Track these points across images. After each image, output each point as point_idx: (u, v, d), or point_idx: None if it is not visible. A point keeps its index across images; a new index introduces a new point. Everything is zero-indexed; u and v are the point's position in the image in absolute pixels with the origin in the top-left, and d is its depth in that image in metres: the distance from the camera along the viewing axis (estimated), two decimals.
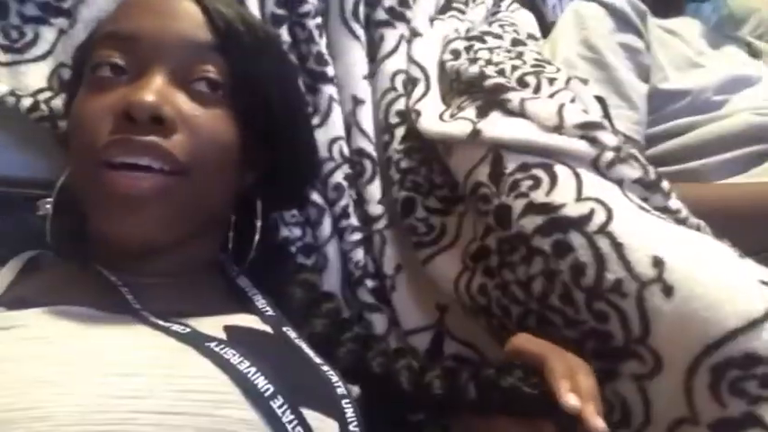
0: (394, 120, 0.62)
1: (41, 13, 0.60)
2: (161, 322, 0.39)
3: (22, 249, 0.48)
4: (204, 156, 0.43)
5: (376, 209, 0.61)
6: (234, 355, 0.37)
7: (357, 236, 0.60)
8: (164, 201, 0.42)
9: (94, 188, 0.42)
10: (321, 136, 0.62)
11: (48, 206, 0.49)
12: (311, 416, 0.37)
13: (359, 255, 0.60)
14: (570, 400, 0.37)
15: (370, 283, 0.59)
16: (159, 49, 0.44)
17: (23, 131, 0.58)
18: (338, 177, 0.61)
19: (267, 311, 0.47)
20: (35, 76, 0.58)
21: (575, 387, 0.38)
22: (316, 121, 0.62)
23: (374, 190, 0.62)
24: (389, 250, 0.60)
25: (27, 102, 0.56)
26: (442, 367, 0.47)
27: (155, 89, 0.42)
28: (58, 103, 0.57)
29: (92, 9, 0.59)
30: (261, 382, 0.36)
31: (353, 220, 0.61)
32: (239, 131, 0.46)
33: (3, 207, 0.55)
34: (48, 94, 0.58)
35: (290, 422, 0.35)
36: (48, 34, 0.60)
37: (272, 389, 0.36)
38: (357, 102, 0.64)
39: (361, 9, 0.65)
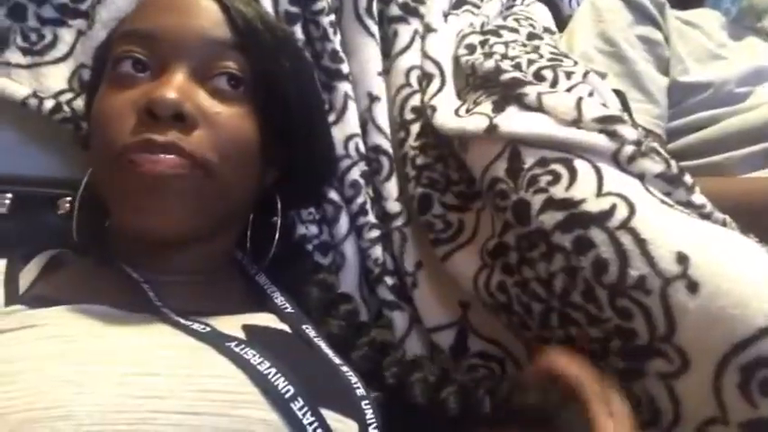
0: (409, 116, 0.62)
1: (59, 15, 0.61)
2: (182, 320, 0.39)
3: (43, 249, 0.49)
4: (225, 152, 0.44)
5: (394, 206, 0.60)
6: (254, 355, 0.37)
7: (375, 233, 0.60)
8: (186, 191, 0.42)
9: (118, 178, 0.42)
10: (337, 133, 0.61)
11: (68, 205, 0.49)
12: (331, 416, 0.37)
13: (377, 252, 0.59)
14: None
15: (389, 280, 0.59)
16: (180, 47, 0.44)
17: (43, 132, 0.58)
18: (355, 174, 0.61)
19: (286, 308, 0.47)
20: (56, 77, 0.59)
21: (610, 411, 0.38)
22: (331, 118, 0.62)
23: (392, 187, 0.61)
24: (410, 247, 0.59)
25: (49, 103, 0.57)
26: (458, 383, 0.47)
27: (176, 86, 0.42)
28: (80, 103, 0.57)
29: (110, 10, 0.59)
30: (281, 383, 0.36)
31: (371, 218, 0.60)
32: (259, 128, 0.46)
33: (25, 207, 0.56)
34: (69, 96, 0.58)
35: (311, 424, 0.35)
36: (66, 36, 0.61)
37: (292, 390, 0.36)
38: (372, 98, 0.63)
39: (375, 5, 0.65)
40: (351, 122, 0.62)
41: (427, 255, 0.58)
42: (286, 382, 0.36)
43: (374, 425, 0.40)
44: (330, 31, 0.63)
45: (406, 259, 0.59)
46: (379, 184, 0.62)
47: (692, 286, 0.40)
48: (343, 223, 0.60)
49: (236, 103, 0.45)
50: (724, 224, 0.47)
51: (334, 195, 0.61)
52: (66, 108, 0.57)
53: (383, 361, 0.50)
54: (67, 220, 0.49)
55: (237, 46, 0.46)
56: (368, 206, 0.60)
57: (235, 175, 0.45)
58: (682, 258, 0.41)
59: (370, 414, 0.40)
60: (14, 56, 0.59)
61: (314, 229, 0.60)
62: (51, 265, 0.47)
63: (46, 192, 0.55)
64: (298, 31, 0.62)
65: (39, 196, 0.55)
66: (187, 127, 0.42)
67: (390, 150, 0.62)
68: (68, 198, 0.50)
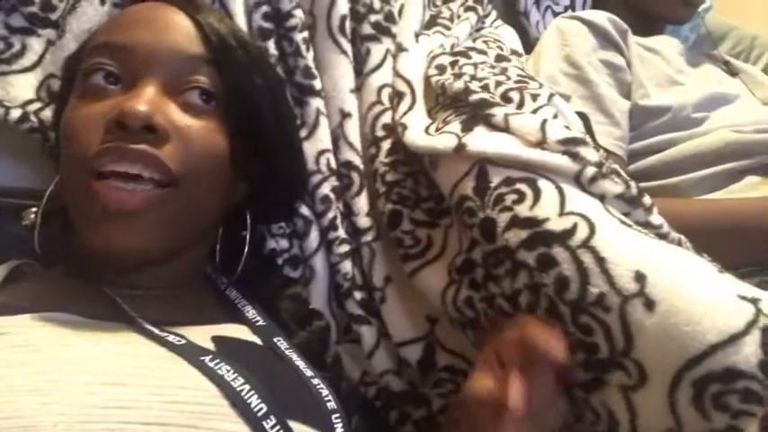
0: (380, 133, 0.63)
1: (28, 24, 0.60)
2: (156, 331, 0.39)
3: (5, 259, 0.48)
4: (195, 166, 0.44)
5: (364, 221, 0.61)
6: (228, 371, 0.37)
7: (345, 248, 0.60)
8: (155, 214, 0.42)
9: (84, 200, 0.42)
10: (309, 148, 0.62)
11: (32, 216, 0.48)
12: (300, 429, 0.37)
13: (347, 267, 0.60)
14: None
15: (358, 294, 0.59)
16: (152, 61, 0.44)
17: (9, 141, 0.57)
18: (325, 189, 0.61)
19: (257, 321, 0.47)
20: (24, 87, 0.58)
21: None
22: (303, 133, 0.62)
23: (362, 202, 0.62)
24: (378, 262, 0.60)
25: (16, 113, 0.56)
26: None
27: (147, 99, 0.42)
28: (48, 114, 0.56)
29: (81, 21, 0.59)
30: (254, 400, 0.36)
31: (341, 232, 0.61)
32: (229, 143, 0.46)
33: None
34: (37, 105, 0.57)
35: None
36: (35, 45, 0.60)
37: (264, 408, 0.36)
38: (344, 115, 0.64)
39: (348, 24, 0.66)
40: (322, 138, 0.62)
41: (396, 270, 0.59)
42: (259, 400, 0.36)
43: None
44: (303, 47, 0.64)
45: (374, 274, 0.60)
46: (349, 200, 0.62)
47: (649, 304, 0.42)
48: (314, 238, 0.60)
49: (207, 118, 0.45)
50: (680, 244, 0.49)
51: (304, 210, 0.61)
52: (33, 118, 0.56)
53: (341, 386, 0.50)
54: (32, 231, 0.48)
55: (210, 61, 0.46)
56: (338, 221, 0.61)
57: (203, 190, 0.45)
58: (639, 277, 0.42)
59: (339, 428, 0.40)
60: None
61: (284, 243, 0.60)
62: (14, 276, 0.46)
63: (10, 202, 0.54)
64: (271, 47, 0.63)
65: (3, 206, 0.54)
66: (158, 140, 0.42)
67: (361, 166, 0.63)
68: (33, 209, 0.49)
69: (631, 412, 0.43)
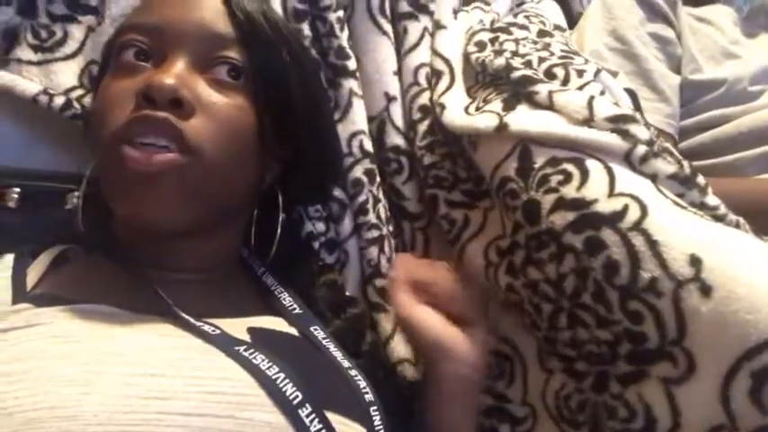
0: (416, 115, 0.61)
1: (69, 12, 0.60)
2: (192, 321, 0.39)
3: (51, 244, 0.48)
4: (221, 141, 0.43)
5: (416, 207, 0.60)
6: (263, 360, 0.37)
7: (374, 233, 0.59)
8: (178, 179, 0.42)
9: (113, 168, 0.42)
10: (341, 131, 0.61)
11: (75, 200, 0.49)
12: (337, 420, 0.37)
13: (373, 253, 0.59)
14: None
15: (379, 282, 0.59)
16: (181, 37, 0.45)
17: (52, 127, 0.58)
18: (357, 173, 0.60)
19: (294, 309, 0.47)
20: (66, 74, 0.59)
21: None
22: (336, 116, 0.62)
23: (413, 187, 0.61)
24: (434, 248, 0.59)
25: (60, 100, 0.56)
26: None
27: (175, 73, 0.43)
28: (89, 100, 0.57)
29: (120, 5, 0.59)
30: (289, 388, 0.36)
31: (371, 217, 0.60)
32: (258, 121, 0.46)
33: (33, 201, 0.55)
34: (79, 92, 0.58)
35: (318, 431, 0.35)
36: (76, 32, 0.60)
37: (300, 396, 0.36)
38: (389, 98, 0.63)
39: (387, 3, 0.64)
40: (355, 120, 0.62)
41: (451, 255, 0.58)
42: (294, 388, 0.36)
43: (382, 430, 0.39)
44: (337, 27, 0.62)
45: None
46: (399, 185, 0.62)
47: (706, 290, 0.39)
48: (348, 221, 0.60)
49: (235, 94, 0.45)
50: (737, 226, 0.46)
51: (339, 193, 0.60)
52: (76, 105, 0.57)
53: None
54: (75, 215, 0.49)
55: (238, 38, 0.46)
56: (369, 205, 0.60)
57: (230, 166, 0.45)
58: (695, 261, 0.40)
59: (378, 420, 0.40)
60: (25, 53, 0.58)
61: (321, 227, 0.60)
62: (58, 262, 0.47)
63: (54, 186, 0.55)
64: (305, 28, 0.62)
65: (47, 191, 0.55)
66: (184, 113, 0.42)
67: (409, 150, 0.62)
68: (76, 193, 0.49)
69: (673, 407, 0.41)
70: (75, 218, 0.49)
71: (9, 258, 0.45)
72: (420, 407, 0.51)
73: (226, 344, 0.38)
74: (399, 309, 0.53)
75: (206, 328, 0.39)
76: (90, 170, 0.49)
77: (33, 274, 0.44)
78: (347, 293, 0.57)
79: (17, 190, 0.55)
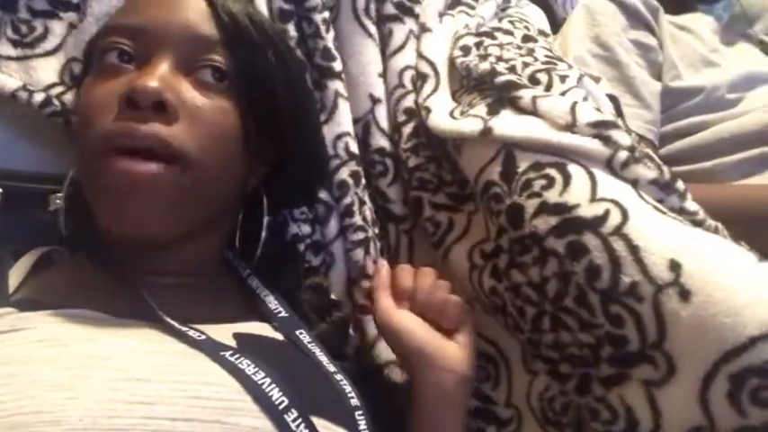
0: (401, 118, 0.61)
1: (51, 8, 0.59)
2: (177, 326, 0.39)
3: (34, 245, 0.48)
4: (206, 145, 0.43)
5: (401, 209, 0.60)
6: (249, 365, 0.37)
7: (360, 235, 0.59)
8: (166, 189, 0.41)
9: (98, 177, 0.42)
10: (326, 132, 0.61)
11: (58, 201, 0.48)
12: (323, 425, 0.37)
13: (359, 255, 0.59)
14: None
15: (365, 284, 0.58)
16: (165, 39, 0.44)
17: (34, 126, 0.57)
18: (343, 175, 0.60)
19: (279, 312, 0.46)
20: (46, 70, 0.57)
21: None
22: (322, 117, 0.61)
23: (398, 190, 0.61)
24: (418, 251, 0.60)
25: (39, 97, 0.55)
26: None
27: (158, 76, 0.42)
28: (70, 97, 0.56)
29: (102, 4, 0.58)
30: (275, 393, 0.36)
31: (357, 219, 0.60)
32: (243, 123, 0.46)
33: (15, 202, 0.54)
34: (59, 89, 0.57)
35: None
36: (57, 28, 0.59)
37: (286, 401, 0.35)
38: (375, 100, 0.63)
39: (372, 5, 0.64)
40: (341, 122, 0.61)
41: (435, 258, 0.59)
42: (280, 393, 0.36)
43: None
44: (322, 28, 0.62)
45: (415, 263, 0.59)
46: (384, 187, 0.62)
47: (685, 294, 0.40)
48: (334, 224, 0.60)
49: (220, 97, 0.45)
50: (716, 231, 0.47)
51: (325, 195, 0.60)
52: (56, 102, 0.56)
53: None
54: (58, 217, 0.48)
55: (222, 40, 0.46)
56: (354, 207, 0.60)
57: (216, 170, 0.44)
58: (674, 265, 0.41)
59: (363, 425, 0.40)
60: (4, 47, 0.57)
61: (306, 229, 0.59)
62: (41, 264, 0.46)
63: (37, 187, 0.54)
64: (291, 29, 0.61)
65: (29, 192, 0.54)
66: (168, 118, 0.42)
67: (395, 152, 0.62)
68: (59, 194, 0.49)
69: (654, 409, 0.42)
70: (58, 220, 0.48)
71: None
72: (406, 412, 0.51)
73: (212, 349, 0.37)
74: (380, 314, 0.52)
75: (191, 333, 0.39)
76: (73, 172, 0.48)
77: (15, 276, 0.44)
78: (332, 296, 0.57)
79: None
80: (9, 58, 0.57)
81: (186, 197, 0.42)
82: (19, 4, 0.58)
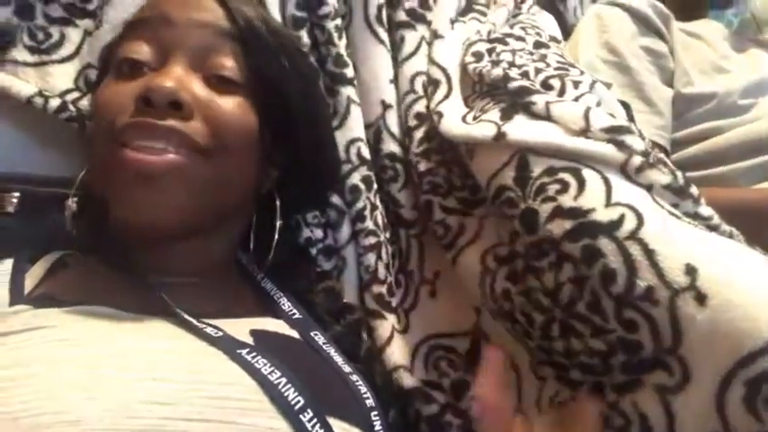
0: (412, 122, 0.62)
1: (67, 15, 0.60)
2: (195, 322, 0.39)
3: (50, 249, 0.48)
4: (222, 140, 0.44)
5: (411, 214, 0.61)
6: (265, 364, 0.37)
7: (371, 240, 0.59)
8: (181, 179, 0.42)
9: (112, 169, 0.42)
10: (339, 138, 0.61)
11: (75, 205, 0.49)
12: (339, 426, 0.37)
13: (370, 259, 0.59)
14: None
15: (376, 289, 0.59)
16: (180, 38, 0.45)
17: (48, 130, 0.58)
18: (355, 179, 0.61)
19: (294, 314, 0.47)
20: (62, 76, 0.59)
21: None
22: (334, 123, 0.62)
23: (408, 195, 0.61)
24: (429, 255, 0.60)
25: (55, 102, 0.56)
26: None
27: (174, 76, 0.43)
28: (85, 103, 0.57)
29: (118, 10, 0.59)
30: (291, 393, 0.36)
31: (369, 224, 0.60)
32: (258, 122, 0.47)
33: (32, 206, 0.55)
34: (75, 95, 0.58)
35: None
36: (73, 35, 0.60)
37: (302, 401, 0.36)
38: (386, 106, 0.63)
39: (384, 12, 0.65)
40: (353, 127, 0.62)
41: (444, 262, 0.59)
42: (296, 393, 0.36)
43: None
44: (335, 35, 0.63)
45: (425, 267, 0.59)
46: (395, 192, 0.62)
47: (701, 298, 0.40)
48: (346, 228, 0.60)
49: (234, 96, 0.46)
50: (731, 236, 0.47)
51: (337, 200, 0.61)
52: (71, 107, 0.57)
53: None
54: (68, 218, 0.49)
55: (237, 42, 0.46)
56: (366, 212, 0.60)
57: (231, 164, 0.45)
58: (690, 270, 0.41)
59: (378, 425, 0.40)
60: (21, 54, 0.58)
61: (319, 233, 0.60)
62: (57, 267, 0.46)
63: (53, 191, 0.55)
64: (304, 36, 0.62)
65: (45, 196, 0.55)
66: (183, 115, 0.42)
67: (405, 157, 0.62)
68: (76, 198, 0.49)
69: (669, 415, 0.41)
70: (68, 222, 0.49)
71: (8, 263, 0.45)
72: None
73: (229, 347, 0.38)
74: None
75: (209, 330, 0.39)
76: (83, 173, 0.49)
77: (31, 279, 0.44)
78: (345, 300, 0.57)
79: (16, 195, 0.55)
80: (26, 63, 0.58)
81: (202, 187, 0.43)
82: (36, 12, 0.60)
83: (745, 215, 0.56)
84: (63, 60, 0.60)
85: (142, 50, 0.45)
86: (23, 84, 0.57)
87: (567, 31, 0.85)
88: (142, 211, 0.42)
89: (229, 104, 0.45)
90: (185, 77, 0.44)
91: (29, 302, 0.40)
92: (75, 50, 0.60)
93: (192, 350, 0.37)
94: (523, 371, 0.55)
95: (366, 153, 0.62)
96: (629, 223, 0.43)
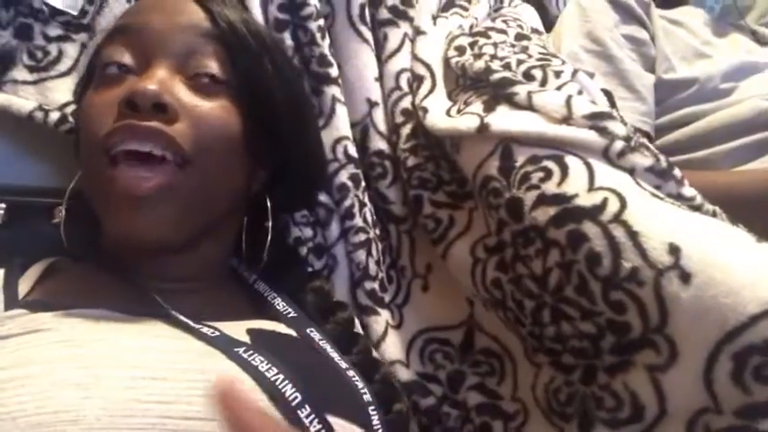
0: (399, 119, 0.62)
1: (64, 32, 0.61)
2: (191, 323, 0.39)
3: (40, 258, 0.48)
4: (208, 145, 0.44)
5: (401, 210, 0.61)
6: (262, 361, 0.37)
7: (361, 237, 0.60)
8: (170, 198, 0.42)
9: (102, 188, 0.43)
10: (325, 137, 0.62)
11: (63, 214, 0.49)
12: (337, 423, 0.37)
13: (361, 256, 0.59)
14: None
15: (368, 285, 0.59)
16: (163, 42, 0.45)
17: (37, 141, 0.58)
18: (342, 178, 0.61)
19: (289, 313, 0.47)
20: (61, 90, 0.59)
21: None
22: (320, 122, 0.62)
23: (397, 191, 0.62)
24: (420, 250, 0.60)
25: (55, 115, 0.57)
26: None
27: (157, 79, 0.43)
28: None
29: (108, 18, 0.60)
30: (288, 390, 0.36)
31: (358, 221, 0.60)
32: (243, 124, 0.46)
33: (20, 216, 0.56)
34: (74, 107, 0.58)
35: (318, 431, 0.35)
36: (71, 50, 0.61)
37: (299, 398, 0.36)
38: (372, 104, 0.64)
39: (367, 11, 0.65)
40: (339, 126, 0.62)
41: (435, 257, 0.59)
42: (294, 389, 0.36)
43: (380, 431, 0.40)
44: (318, 35, 0.63)
45: (417, 262, 0.60)
46: (384, 189, 0.62)
47: (685, 276, 0.40)
48: (335, 226, 0.61)
49: (218, 98, 0.46)
50: (714, 215, 0.48)
51: (325, 199, 0.61)
52: (71, 119, 0.57)
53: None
54: (60, 227, 0.49)
55: (220, 45, 0.47)
56: (355, 209, 0.60)
57: (218, 170, 0.45)
58: (674, 249, 0.41)
59: (375, 420, 0.40)
60: (21, 73, 0.59)
61: (308, 232, 0.60)
62: (50, 272, 0.47)
63: (40, 201, 0.55)
64: (287, 38, 0.63)
65: (33, 206, 0.55)
66: (169, 118, 0.42)
67: (393, 154, 0.63)
68: (63, 207, 0.50)
69: (659, 394, 0.42)
70: (59, 231, 0.49)
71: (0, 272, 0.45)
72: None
73: (226, 346, 0.38)
74: None
75: (205, 330, 0.39)
76: (74, 182, 0.49)
77: (24, 284, 0.44)
78: (336, 299, 0.57)
79: (3, 206, 0.55)
80: (25, 82, 0.59)
81: (191, 201, 0.43)
82: (34, 32, 0.61)
83: (730, 197, 0.56)
84: (61, 75, 0.61)
85: (124, 55, 0.45)
86: (23, 101, 0.58)
87: (549, 22, 0.86)
88: (133, 230, 0.42)
89: (214, 106, 0.45)
90: (169, 80, 0.44)
91: (24, 307, 0.40)
92: (73, 64, 0.61)
93: (189, 349, 0.38)
94: (518, 358, 0.56)
95: (353, 151, 0.62)
96: (612, 206, 0.44)
